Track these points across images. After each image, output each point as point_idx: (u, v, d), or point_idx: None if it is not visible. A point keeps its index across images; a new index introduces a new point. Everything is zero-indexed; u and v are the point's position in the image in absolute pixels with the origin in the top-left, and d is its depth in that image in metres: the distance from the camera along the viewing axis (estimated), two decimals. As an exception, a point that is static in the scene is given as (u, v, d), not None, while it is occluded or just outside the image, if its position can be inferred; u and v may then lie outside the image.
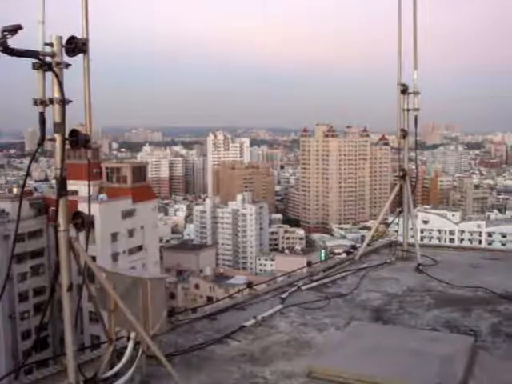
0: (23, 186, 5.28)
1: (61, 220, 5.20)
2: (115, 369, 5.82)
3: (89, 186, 6.01)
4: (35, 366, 7.96)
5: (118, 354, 5.98)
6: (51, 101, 5.15)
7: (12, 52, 4.81)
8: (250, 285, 10.68)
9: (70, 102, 5.24)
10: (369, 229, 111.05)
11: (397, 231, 12.09)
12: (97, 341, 58.70)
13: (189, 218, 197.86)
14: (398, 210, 11.90)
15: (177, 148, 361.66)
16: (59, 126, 5.18)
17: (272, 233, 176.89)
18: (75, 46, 5.25)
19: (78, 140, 5.24)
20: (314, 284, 9.64)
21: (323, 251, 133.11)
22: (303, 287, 9.39)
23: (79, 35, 5.28)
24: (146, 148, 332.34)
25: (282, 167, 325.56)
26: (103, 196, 66.72)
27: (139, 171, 76.27)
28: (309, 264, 12.07)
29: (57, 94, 5.16)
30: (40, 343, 45.12)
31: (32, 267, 68.05)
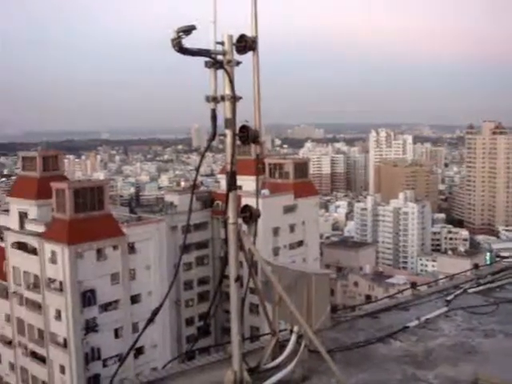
0: (195, 180, 5.53)
1: (230, 213, 5.37)
2: (277, 360, 5.91)
3: (257, 180, 6.22)
4: (198, 351, 8.30)
5: (280, 346, 6.07)
6: (222, 98, 5.34)
7: (186, 51, 5.04)
8: (413, 285, 10.31)
9: (240, 98, 5.39)
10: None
11: None
12: (256, 332, 60.32)
13: (349, 215, 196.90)
14: None
15: (338, 145, 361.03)
16: (230, 122, 5.36)
17: (434, 233, 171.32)
18: (245, 45, 5.39)
19: (247, 136, 5.39)
20: (481, 288, 9.18)
21: (489, 254, 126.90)
22: (469, 290, 8.98)
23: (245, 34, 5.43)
24: (308, 144, 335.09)
25: (446, 165, 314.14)
26: (266, 191, 68.08)
27: (301, 167, 76.86)
28: (476, 266, 11.55)
29: (228, 91, 5.34)
30: (204, 330, 47.24)
31: (197, 258, 71.16)
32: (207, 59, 5.25)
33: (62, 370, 53.79)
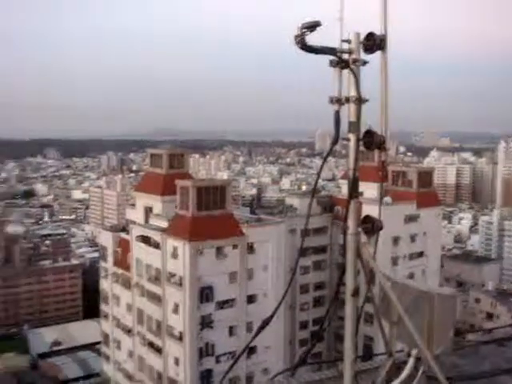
0: (315, 184, 5.26)
1: (350, 223, 5.03)
2: (393, 384, 5.50)
3: (381, 190, 5.75)
4: (310, 357, 8.00)
5: (396, 368, 5.65)
6: (347, 99, 5.00)
7: (309, 49, 4.75)
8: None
9: (367, 101, 5.04)
10: None
11: None
12: (369, 342, 59.12)
13: (473, 228, 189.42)
14: None
15: (465, 155, 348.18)
16: (354, 126, 5.01)
17: None
18: (373, 43, 5.02)
19: (372, 141, 5.03)
20: None
21: None
22: None
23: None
24: (434, 153, 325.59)
25: None
26: (388, 199, 66.66)
27: (425, 176, 74.66)
28: None
29: (353, 93, 5.00)
30: (318, 339, 46.90)
31: (314, 262, 70.82)
32: (332, 58, 4.94)
33: (177, 361, 55.28)
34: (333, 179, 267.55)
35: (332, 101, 5.00)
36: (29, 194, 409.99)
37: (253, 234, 56.77)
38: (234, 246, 55.37)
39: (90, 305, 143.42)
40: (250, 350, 54.12)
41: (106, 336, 69.64)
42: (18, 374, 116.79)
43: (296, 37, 4.67)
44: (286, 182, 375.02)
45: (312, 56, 4.85)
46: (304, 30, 4.65)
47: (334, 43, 5.01)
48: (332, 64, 4.95)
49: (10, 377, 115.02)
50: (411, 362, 5.47)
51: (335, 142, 4.99)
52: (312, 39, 4.81)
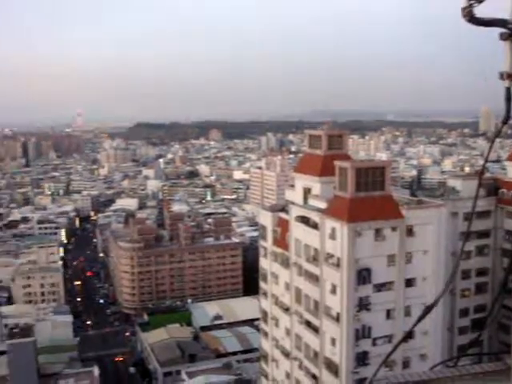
0: (483, 167, 4.95)
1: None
2: None
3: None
4: (469, 352, 7.67)
5: None
6: (520, 74, 4.64)
7: (478, 21, 4.46)
8: None
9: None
10: None
11: None
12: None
13: None
14: None
15: None
16: (527, 103, 4.65)
17: None
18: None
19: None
20: None
21: None
22: None
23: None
24: None
25: None
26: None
27: None
28: None
29: (526, 67, 4.63)
30: (483, 327, 44.81)
31: (477, 247, 67.83)
32: (503, 30, 4.59)
33: (333, 342, 55.55)
34: (497, 161, 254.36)
35: (502, 76, 4.65)
36: (193, 175, 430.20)
37: (413, 216, 55.36)
38: (393, 229, 54.33)
39: (250, 282, 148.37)
40: (408, 335, 53.10)
41: (264, 313, 71.48)
42: (182, 344, 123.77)
43: (463, 9, 4.40)
44: (447, 164, 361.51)
45: (477, 30, 4.54)
46: (472, 2, 4.38)
47: (503, 15, 4.66)
48: (503, 37, 4.61)
49: (174, 346, 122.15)
50: None
51: (506, 120, 4.66)
52: (480, 11, 4.52)
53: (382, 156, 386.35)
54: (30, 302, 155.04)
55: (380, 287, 54.52)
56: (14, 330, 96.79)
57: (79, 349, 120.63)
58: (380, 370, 6.74)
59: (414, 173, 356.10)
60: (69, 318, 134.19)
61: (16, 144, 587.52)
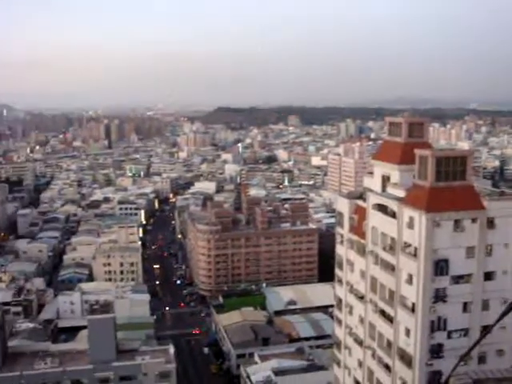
0: None
1: None
2: None
3: None
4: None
5: None
6: None
7: None
8: None
9: None
10: None
11: None
12: None
13: None
14: None
15: None
16: None
17: None
18: None
19: None
20: None
21: None
22: None
23: None
24: None
25: None
26: None
27: None
28: None
29: None
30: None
31: None
32: None
33: (407, 332, 54.99)
34: None
35: None
36: (270, 160, 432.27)
37: (494, 208, 53.86)
38: (473, 220, 53.08)
39: (325, 268, 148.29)
40: (484, 329, 52.03)
41: (339, 300, 71.42)
42: (256, 327, 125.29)
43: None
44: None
45: None
46: None
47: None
48: None
49: (248, 329, 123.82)
50: None
51: None
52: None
53: (464, 145, 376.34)
54: (110, 280, 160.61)
55: (458, 279, 53.49)
56: (94, 307, 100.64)
57: (155, 327, 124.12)
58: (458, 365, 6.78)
59: (497, 163, 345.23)
60: (146, 297, 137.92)
61: (99, 126, 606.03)
